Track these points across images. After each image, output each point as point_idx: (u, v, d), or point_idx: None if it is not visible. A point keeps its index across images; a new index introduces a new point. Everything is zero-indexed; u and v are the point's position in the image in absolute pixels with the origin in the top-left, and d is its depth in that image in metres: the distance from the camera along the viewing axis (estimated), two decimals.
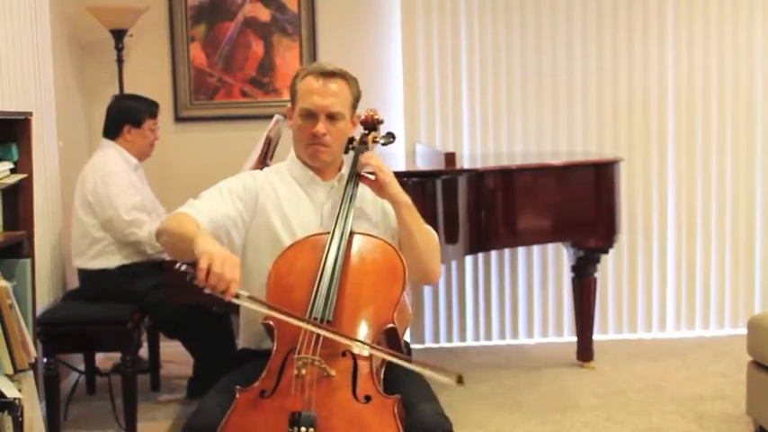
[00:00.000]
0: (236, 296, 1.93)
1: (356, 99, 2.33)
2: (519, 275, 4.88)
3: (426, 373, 1.96)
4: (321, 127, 2.24)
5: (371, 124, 2.46)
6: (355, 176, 2.27)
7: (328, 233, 2.17)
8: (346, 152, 2.39)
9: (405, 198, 2.24)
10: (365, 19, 4.81)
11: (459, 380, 1.89)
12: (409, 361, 2.00)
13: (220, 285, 1.89)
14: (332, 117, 2.25)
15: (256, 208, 2.29)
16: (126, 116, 3.82)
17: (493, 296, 4.88)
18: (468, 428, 3.52)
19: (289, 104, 2.35)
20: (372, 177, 2.23)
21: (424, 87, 4.75)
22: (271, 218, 2.28)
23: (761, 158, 4.84)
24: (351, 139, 2.38)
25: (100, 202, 3.66)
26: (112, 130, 3.83)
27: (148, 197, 3.88)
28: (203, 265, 1.89)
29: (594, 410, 3.71)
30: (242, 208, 2.27)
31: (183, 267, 1.92)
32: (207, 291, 1.91)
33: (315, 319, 2.02)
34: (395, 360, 1.99)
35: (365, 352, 2.01)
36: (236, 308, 2.42)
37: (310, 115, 2.25)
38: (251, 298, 1.97)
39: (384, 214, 2.33)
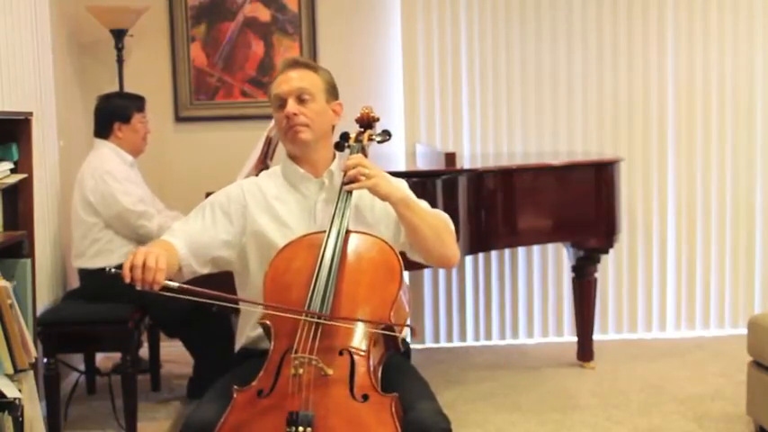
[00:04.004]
0: (166, 288, 1.98)
1: (329, 84, 2.34)
2: (519, 275, 4.88)
3: None
4: (291, 106, 2.26)
5: (367, 122, 2.44)
6: (344, 185, 2.21)
7: (325, 232, 2.16)
8: (342, 150, 2.38)
9: (398, 194, 2.21)
10: (365, 19, 4.80)
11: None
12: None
13: (147, 276, 1.97)
14: (301, 98, 2.27)
15: (246, 215, 2.30)
16: (114, 114, 3.83)
17: (493, 296, 4.88)
18: (468, 428, 3.52)
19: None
20: (356, 186, 2.17)
21: (424, 87, 4.75)
22: (261, 222, 2.29)
23: (761, 158, 4.84)
24: (346, 137, 2.38)
25: (104, 199, 3.66)
26: (103, 129, 3.84)
27: (146, 193, 3.88)
28: (126, 263, 1.99)
29: (594, 410, 3.71)
30: (224, 222, 2.29)
31: (113, 270, 2.02)
32: (138, 287, 1.99)
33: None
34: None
35: (363, 346, 2.01)
36: (235, 308, 2.43)
37: (281, 103, 2.29)
38: (182, 288, 1.97)
39: (386, 211, 2.28)
